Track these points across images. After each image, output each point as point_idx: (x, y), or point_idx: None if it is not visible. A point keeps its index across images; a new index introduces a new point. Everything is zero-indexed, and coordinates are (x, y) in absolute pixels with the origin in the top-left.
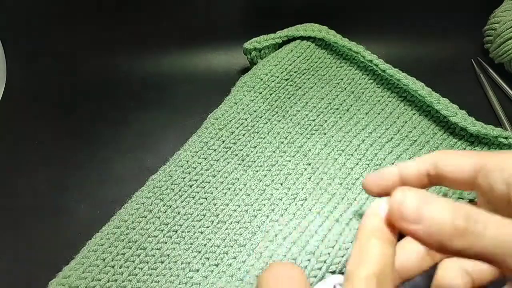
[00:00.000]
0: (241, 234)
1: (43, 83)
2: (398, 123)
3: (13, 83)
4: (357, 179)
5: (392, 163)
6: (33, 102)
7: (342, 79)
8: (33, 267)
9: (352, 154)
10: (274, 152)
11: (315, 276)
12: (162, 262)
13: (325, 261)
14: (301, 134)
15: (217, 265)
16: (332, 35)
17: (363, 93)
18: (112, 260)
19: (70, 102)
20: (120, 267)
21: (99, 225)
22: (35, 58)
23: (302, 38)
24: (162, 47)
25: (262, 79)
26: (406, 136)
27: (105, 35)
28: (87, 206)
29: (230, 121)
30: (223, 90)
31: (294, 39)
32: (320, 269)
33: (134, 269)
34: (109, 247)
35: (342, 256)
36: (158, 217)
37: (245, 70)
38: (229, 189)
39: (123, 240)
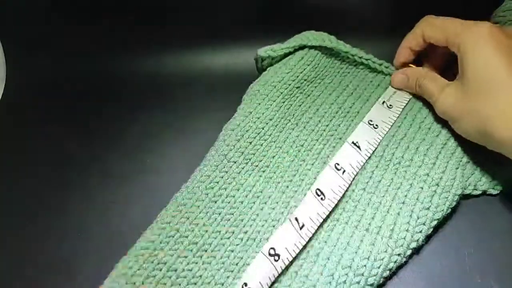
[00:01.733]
0: None
1: (43, 83)
2: (408, 118)
3: (13, 83)
4: (379, 181)
5: (411, 159)
6: (33, 102)
7: (347, 85)
8: (31, 268)
9: (370, 157)
10: (293, 161)
11: None
12: (195, 284)
13: (362, 274)
14: (317, 140)
15: None
16: (342, 45)
17: (370, 95)
18: (142, 283)
19: (70, 102)
20: None
21: (99, 225)
22: (35, 58)
23: (310, 46)
24: (163, 47)
25: (275, 87)
26: (419, 127)
27: (105, 35)
28: (86, 206)
29: (247, 131)
30: (223, 90)
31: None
32: (358, 282)
33: None
34: (138, 269)
35: (379, 267)
36: (186, 236)
37: (245, 70)
38: (254, 203)
39: (152, 262)
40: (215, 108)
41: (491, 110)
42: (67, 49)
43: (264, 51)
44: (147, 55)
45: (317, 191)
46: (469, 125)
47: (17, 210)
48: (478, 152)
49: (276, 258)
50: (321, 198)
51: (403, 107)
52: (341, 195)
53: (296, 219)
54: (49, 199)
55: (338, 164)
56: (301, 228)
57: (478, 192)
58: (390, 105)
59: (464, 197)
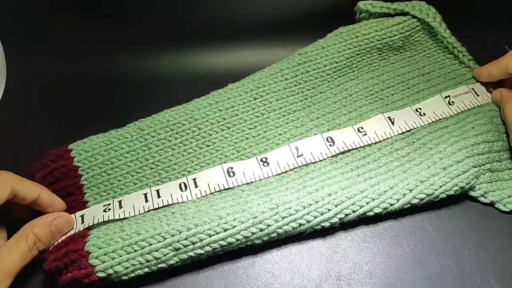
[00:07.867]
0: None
1: (43, 83)
2: (460, 115)
3: (13, 83)
4: (397, 149)
5: (437, 145)
6: (33, 102)
7: (424, 67)
8: (31, 271)
9: (403, 139)
10: (335, 103)
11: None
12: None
13: (336, 206)
14: (365, 97)
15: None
16: (443, 29)
17: (439, 83)
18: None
19: (70, 102)
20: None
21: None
22: (35, 58)
23: (411, 15)
24: (162, 47)
25: (357, 37)
26: (464, 125)
27: (105, 35)
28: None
29: (313, 60)
30: None
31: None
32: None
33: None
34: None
35: (356, 207)
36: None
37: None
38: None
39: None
40: None
41: None
42: (67, 49)
43: (363, 4)
44: (146, 55)
45: (328, 138)
46: None
47: None
48: (507, 170)
49: (266, 164)
50: (330, 145)
51: (465, 109)
52: (350, 148)
53: (296, 148)
54: None
55: (362, 128)
56: (298, 156)
57: (486, 201)
58: (452, 102)
59: (468, 197)
